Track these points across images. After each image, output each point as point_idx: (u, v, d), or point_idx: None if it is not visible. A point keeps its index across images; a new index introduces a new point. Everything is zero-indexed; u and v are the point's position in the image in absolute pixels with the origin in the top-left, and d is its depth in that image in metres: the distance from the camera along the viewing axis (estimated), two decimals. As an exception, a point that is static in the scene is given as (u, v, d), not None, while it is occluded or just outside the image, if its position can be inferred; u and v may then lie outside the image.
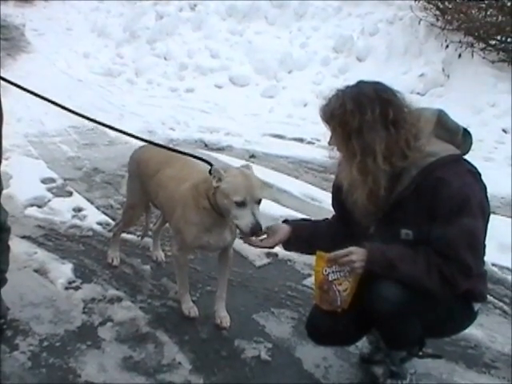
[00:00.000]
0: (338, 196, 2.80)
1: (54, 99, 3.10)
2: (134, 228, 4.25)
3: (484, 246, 2.59)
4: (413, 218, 2.54)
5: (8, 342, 3.13)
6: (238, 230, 3.11)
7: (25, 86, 3.00)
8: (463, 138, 2.63)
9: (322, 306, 2.72)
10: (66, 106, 3.12)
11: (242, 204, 2.91)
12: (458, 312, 2.66)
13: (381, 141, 2.47)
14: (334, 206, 2.99)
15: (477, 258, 2.55)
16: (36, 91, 3.03)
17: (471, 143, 2.65)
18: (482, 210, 2.51)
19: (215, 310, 3.39)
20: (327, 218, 3.05)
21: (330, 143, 2.64)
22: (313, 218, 3.18)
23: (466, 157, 2.62)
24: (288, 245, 2.97)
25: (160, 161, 3.57)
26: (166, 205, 3.52)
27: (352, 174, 2.54)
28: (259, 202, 2.96)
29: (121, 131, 3.28)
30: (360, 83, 2.57)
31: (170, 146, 5.78)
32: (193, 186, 3.23)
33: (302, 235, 2.93)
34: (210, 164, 3.12)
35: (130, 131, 6.32)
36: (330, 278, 2.61)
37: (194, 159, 3.37)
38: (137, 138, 3.40)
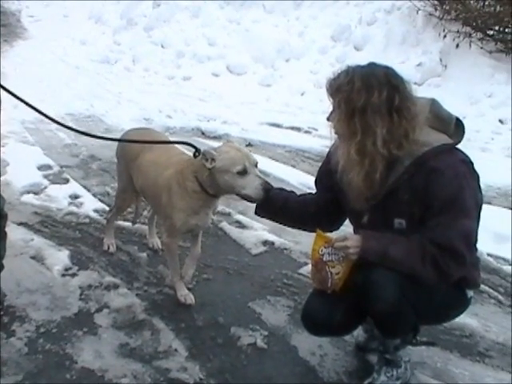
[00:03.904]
0: (329, 179, 2.83)
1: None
2: (130, 215, 4.26)
3: (476, 234, 2.59)
4: (406, 208, 2.56)
5: (5, 328, 3.14)
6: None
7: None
8: (456, 128, 2.63)
9: (313, 283, 2.79)
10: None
11: (243, 172, 2.96)
12: (451, 299, 2.68)
13: (383, 125, 2.46)
14: (320, 189, 3.02)
15: (470, 247, 2.56)
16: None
17: (464, 132, 2.65)
18: (475, 199, 2.53)
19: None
20: (311, 193, 3.09)
21: (329, 119, 2.62)
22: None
23: (462, 147, 2.62)
24: (259, 209, 3.05)
25: (141, 145, 3.57)
26: (148, 191, 3.54)
27: (350, 153, 2.53)
28: (256, 165, 3.02)
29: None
30: (372, 64, 2.56)
31: (167, 134, 5.78)
32: (177, 172, 3.25)
33: (274, 204, 2.99)
34: (195, 148, 3.16)
35: (127, 119, 6.32)
36: (324, 259, 2.65)
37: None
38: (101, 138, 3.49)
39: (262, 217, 3.14)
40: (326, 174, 2.86)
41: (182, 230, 3.36)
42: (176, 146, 3.58)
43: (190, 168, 3.17)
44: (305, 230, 3.21)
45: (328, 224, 2.97)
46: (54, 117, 3.04)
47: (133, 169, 3.62)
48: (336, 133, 2.63)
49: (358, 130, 2.49)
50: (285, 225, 3.17)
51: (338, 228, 3.05)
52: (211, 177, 3.07)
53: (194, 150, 3.16)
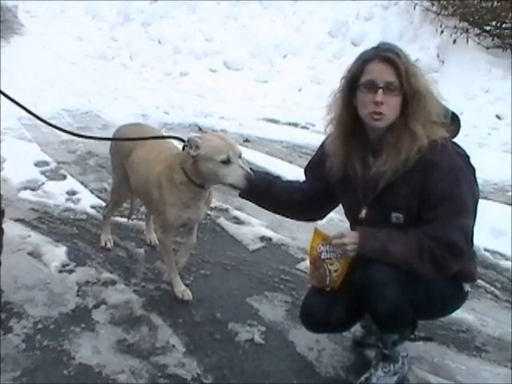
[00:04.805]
0: (321, 170, 2.84)
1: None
2: (127, 211, 4.25)
3: (473, 228, 2.60)
4: (403, 202, 2.57)
5: (2, 325, 3.14)
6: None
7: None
8: (452, 122, 2.64)
9: (312, 281, 2.79)
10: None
11: (227, 161, 2.98)
12: (448, 293, 2.68)
13: None
14: (310, 178, 3.02)
15: (467, 240, 2.58)
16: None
17: (459, 127, 2.66)
18: (471, 192, 2.55)
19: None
20: (298, 181, 3.09)
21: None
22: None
23: (459, 142, 2.63)
24: (243, 192, 3.05)
25: (133, 141, 3.57)
26: (140, 189, 3.54)
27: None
28: (240, 156, 3.03)
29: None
30: None
31: (163, 130, 5.78)
32: (166, 167, 3.26)
33: (257, 187, 2.99)
34: (183, 140, 3.17)
35: (124, 115, 6.29)
36: (322, 257, 2.65)
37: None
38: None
39: (245, 199, 3.14)
40: (319, 164, 2.86)
41: (176, 225, 3.37)
42: (167, 141, 3.59)
43: (177, 160, 3.20)
44: (286, 216, 3.22)
45: (311, 212, 3.03)
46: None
47: (127, 166, 3.63)
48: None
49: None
50: (267, 209, 3.17)
51: (321, 218, 3.12)
52: (195, 165, 3.08)
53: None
